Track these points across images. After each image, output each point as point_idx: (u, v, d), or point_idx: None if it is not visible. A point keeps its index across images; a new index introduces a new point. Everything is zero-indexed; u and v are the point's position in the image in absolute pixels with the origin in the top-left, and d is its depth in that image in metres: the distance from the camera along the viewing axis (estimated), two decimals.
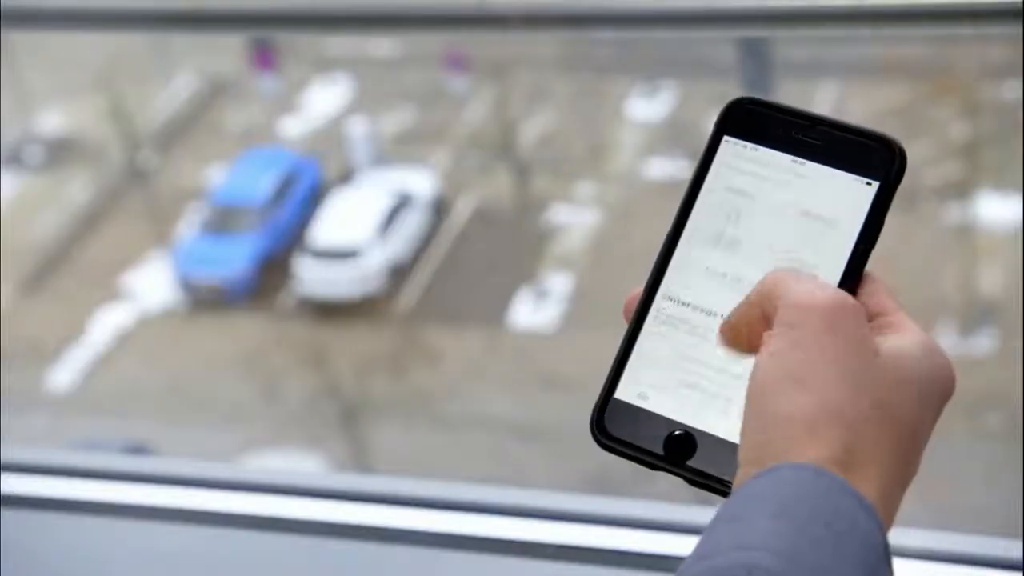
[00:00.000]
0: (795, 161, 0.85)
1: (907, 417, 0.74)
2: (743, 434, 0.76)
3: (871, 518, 0.72)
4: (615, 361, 0.85)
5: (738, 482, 0.75)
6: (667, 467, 0.82)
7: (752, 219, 0.85)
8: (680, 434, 0.82)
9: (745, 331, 0.80)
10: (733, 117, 0.87)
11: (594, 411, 0.84)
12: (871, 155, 0.84)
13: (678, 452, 0.82)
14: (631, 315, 0.86)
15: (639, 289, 0.86)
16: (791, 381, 0.74)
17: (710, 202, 0.86)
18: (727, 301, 0.83)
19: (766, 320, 0.78)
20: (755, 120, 0.86)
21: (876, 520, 0.72)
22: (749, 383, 0.76)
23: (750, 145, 0.86)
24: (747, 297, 0.80)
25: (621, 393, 0.84)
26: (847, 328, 0.75)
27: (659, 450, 0.82)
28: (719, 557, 0.70)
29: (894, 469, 0.74)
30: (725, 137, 0.87)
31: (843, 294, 0.77)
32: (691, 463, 0.82)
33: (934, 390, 0.76)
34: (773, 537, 0.69)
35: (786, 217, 0.84)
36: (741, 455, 0.75)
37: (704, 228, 0.86)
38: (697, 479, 0.81)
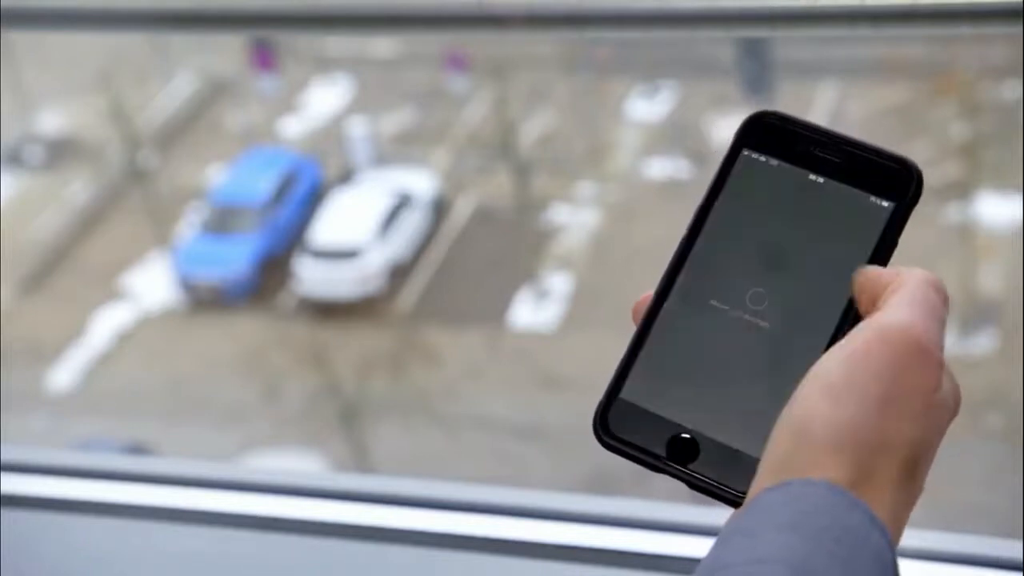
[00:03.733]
0: (812, 178, 0.85)
1: (921, 440, 0.76)
2: (771, 440, 0.76)
3: (882, 536, 0.72)
4: (622, 361, 0.85)
5: (753, 492, 0.75)
6: (669, 469, 0.82)
7: (766, 233, 0.85)
8: (683, 437, 0.82)
9: (867, 292, 0.80)
10: (753, 130, 0.87)
11: (598, 410, 0.84)
12: (889, 176, 0.84)
13: (680, 455, 0.82)
14: (640, 317, 0.86)
15: (649, 292, 0.86)
16: (829, 396, 0.75)
17: (725, 213, 0.86)
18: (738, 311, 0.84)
19: (872, 301, 0.79)
20: (775, 134, 0.86)
21: (887, 537, 0.73)
22: (802, 382, 0.77)
23: (768, 159, 0.86)
24: (887, 272, 0.81)
25: (626, 393, 0.84)
26: (904, 362, 0.76)
27: (661, 452, 0.82)
28: (732, 570, 0.71)
29: (904, 488, 0.75)
30: (744, 150, 0.87)
31: (914, 334, 0.76)
32: (693, 467, 0.82)
33: (948, 417, 0.78)
34: (786, 551, 0.70)
35: (800, 233, 0.84)
36: (763, 463, 0.76)
37: (718, 239, 0.86)
38: (698, 483, 0.81)
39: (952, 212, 12.50)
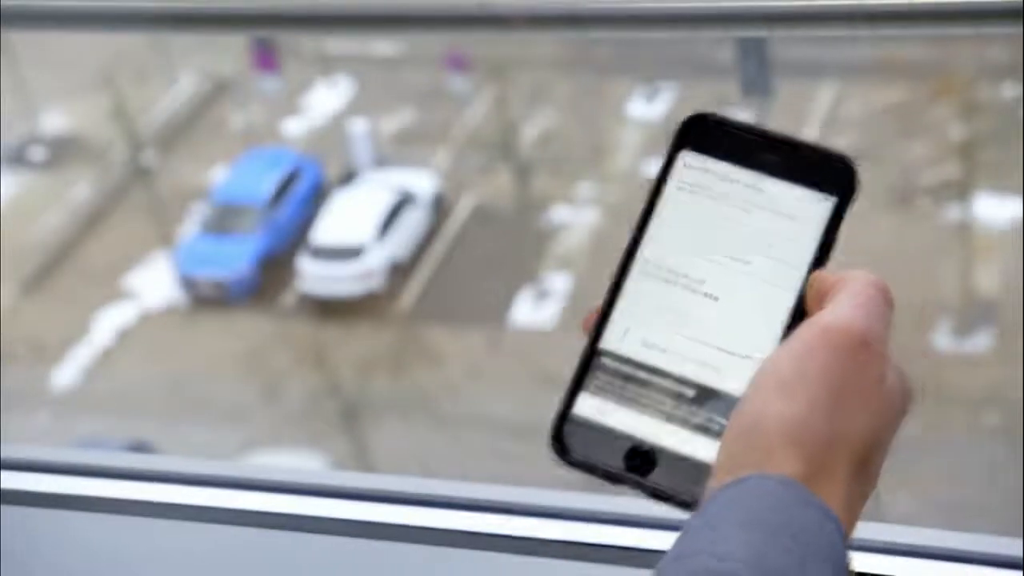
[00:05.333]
0: (753, 176, 0.85)
1: (872, 433, 0.77)
2: (725, 437, 0.78)
3: (836, 530, 0.74)
4: (573, 377, 0.85)
5: (711, 489, 0.76)
6: (627, 481, 0.83)
7: (709, 231, 0.85)
8: (640, 449, 0.83)
9: (815, 293, 0.82)
10: (693, 132, 0.87)
11: (552, 427, 0.85)
12: (827, 172, 0.85)
13: (638, 467, 0.82)
14: (590, 330, 0.86)
15: (599, 304, 0.86)
16: (780, 390, 0.77)
17: (668, 217, 0.86)
18: (684, 315, 0.84)
19: (819, 302, 0.81)
20: (714, 135, 0.87)
21: (840, 532, 0.74)
22: (750, 381, 0.78)
23: (709, 159, 0.86)
24: (833, 274, 0.82)
25: (580, 408, 0.85)
26: (848, 357, 0.78)
27: (619, 465, 0.83)
28: (697, 557, 0.72)
29: (857, 483, 0.76)
30: (684, 151, 0.87)
31: (856, 331, 0.78)
32: (651, 478, 0.82)
33: (898, 411, 0.80)
34: (744, 547, 0.71)
35: (744, 232, 0.85)
36: (718, 460, 0.78)
37: (663, 243, 0.86)
38: (657, 494, 0.82)
39: (950, 212, 12.51)
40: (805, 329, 0.79)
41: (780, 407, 0.76)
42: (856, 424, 0.76)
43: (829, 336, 0.78)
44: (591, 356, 0.85)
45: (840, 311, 0.79)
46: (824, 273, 0.83)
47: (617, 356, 0.85)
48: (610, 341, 0.85)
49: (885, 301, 0.81)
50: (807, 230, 0.84)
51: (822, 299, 0.81)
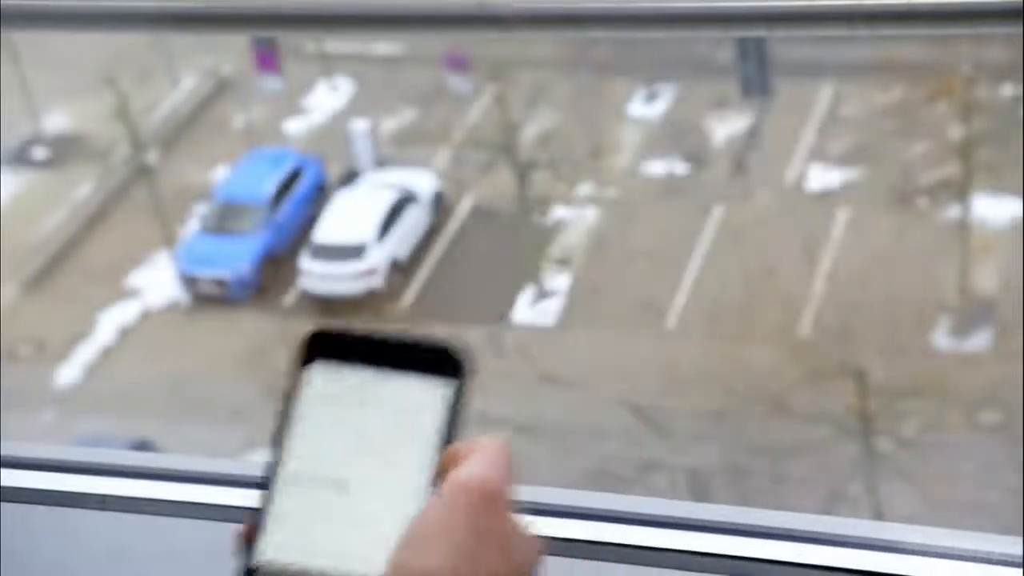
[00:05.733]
0: (377, 375, 0.91)
1: (508, 574, 0.87)
2: None
3: None
4: None
5: None
6: None
7: (345, 433, 0.90)
8: None
9: (451, 463, 0.90)
10: (314, 345, 0.92)
11: None
12: (441, 361, 0.92)
13: None
14: (242, 546, 0.90)
15: (251, 521, 0.90)
16: (425, 543, 0.86)
17: (305, 425, 0.91)
18: (334, 515, 0.89)
19: (450, 465, 0.89)
20: (337, 346, 0.92)
21: None
22: (399, 539, 0.86)
23: (335, 368, 0.92)
24: (463, 444, 0.90)
25: None
26: (484, 508, 0.87)
27: None
28: None
29: None
30: (311, 364, 0.92)
31: (490, 484, 0.88)
32: None
33: (530, 553, 0.89)
34: None
35: (377, 428, 0.90)
36: None
37: (304, 453, 0.90)
38: None
39: (949, 211, 12.52)
40: (446, 486, 0.88)
41: (428, 559, 0.85)
42: (498, 567, 0.86)
43: (467, 491, 0.87)
44: (248, 572, 0.89)
45: (474, 470, 0.88)
46: (456, 445, 0.91)
47: (274, 567, 0.89)
48: (266, 553, 0.89)
49: (507, 463, 0.90)
50: (433, 414, 0.91)
51: (457, 465, 0.89)
